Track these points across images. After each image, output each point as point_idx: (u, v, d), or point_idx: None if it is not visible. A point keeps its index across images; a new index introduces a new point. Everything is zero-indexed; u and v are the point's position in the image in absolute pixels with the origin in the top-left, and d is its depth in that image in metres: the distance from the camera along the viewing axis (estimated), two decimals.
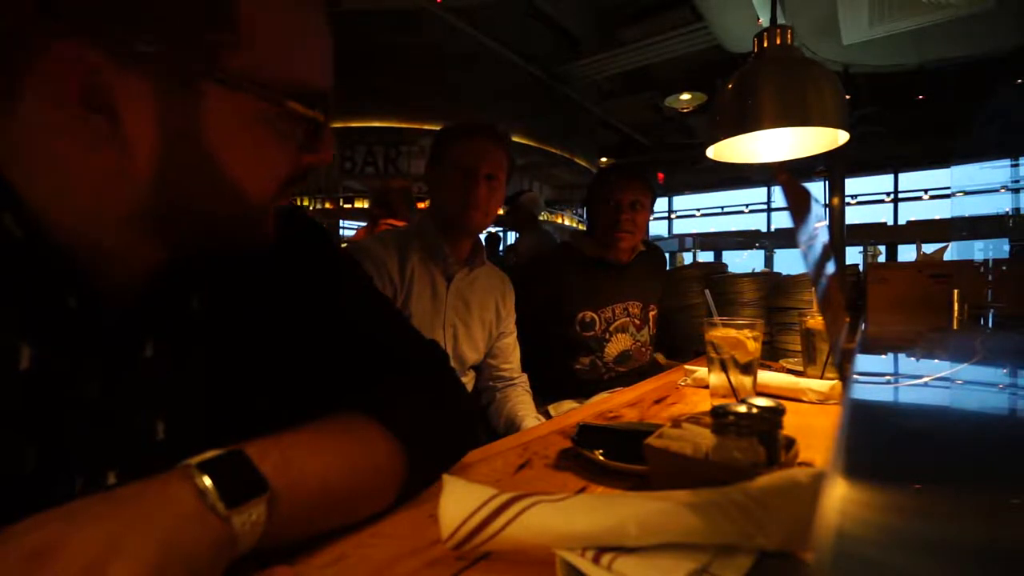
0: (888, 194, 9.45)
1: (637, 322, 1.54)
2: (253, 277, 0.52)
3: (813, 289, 0.46)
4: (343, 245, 2.00)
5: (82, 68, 0.35)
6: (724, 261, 5.86)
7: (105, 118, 0.36)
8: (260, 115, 0.40)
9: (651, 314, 1.59)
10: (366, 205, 6.56)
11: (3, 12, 0.35)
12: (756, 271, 2.54)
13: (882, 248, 8.75)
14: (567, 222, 8.54)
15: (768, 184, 10.00)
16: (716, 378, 0.89)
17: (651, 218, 1.60)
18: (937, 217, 8.65)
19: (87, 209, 0.40)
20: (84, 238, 0.40)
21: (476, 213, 1.16)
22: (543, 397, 1.43)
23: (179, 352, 0.47)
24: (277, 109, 0.40)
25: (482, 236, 1.36)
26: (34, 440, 0.40)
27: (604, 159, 9.15)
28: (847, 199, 2.15)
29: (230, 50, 0.37)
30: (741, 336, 0.86)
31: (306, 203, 6.27)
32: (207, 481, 0.35)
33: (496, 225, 8.74)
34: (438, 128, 1.27)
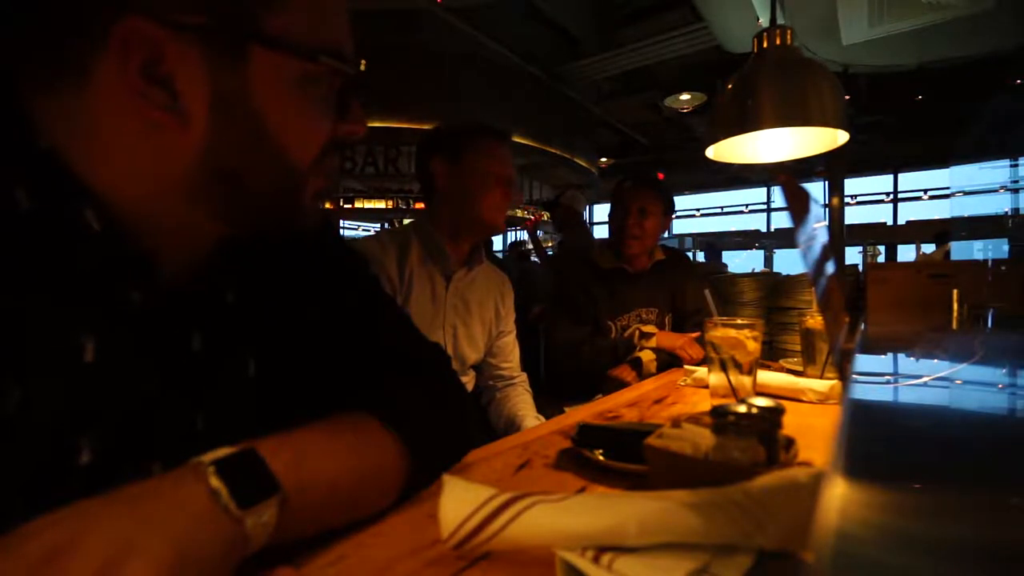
0: (888, 194, 9.44)
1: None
2: (277, 274, 0.53)
3: (813, 289, 0.46)
4: None
5: (145, 41, 0.36)
6: (724, 262, 5.83)
7: (164, 90, 0.38)
8: (299, 76, 0.41)
9: (667, 319, 1.61)
10: (366, 205, 6.55)
11: None
12: (756, 271, 2.54)
13: (882, 248, 8.75)
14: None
15: (768, 184, 9.99)
16: (716, 378, 0.89)
17: (669, 223, 1.65)
18: (936, 217, 8.64)
19: (149, 185, 0.41)
20: (145, 222, 0.41)
21: (504, 218, 1.20)
22: (562, 396, 1.46)
23: (222, 346, 0.48)
24: (313, 67, 0.41)
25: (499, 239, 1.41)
26: (91, 432, 0.40)
27: (604, 159, 9.14)
28: (846, 199, 2.15)
29: (269, 12, 0.39)
30: (741, 336, 0.86)
31: None
32: (220, 481, 0.35)
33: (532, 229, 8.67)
34: (439, 126, 1.25)
